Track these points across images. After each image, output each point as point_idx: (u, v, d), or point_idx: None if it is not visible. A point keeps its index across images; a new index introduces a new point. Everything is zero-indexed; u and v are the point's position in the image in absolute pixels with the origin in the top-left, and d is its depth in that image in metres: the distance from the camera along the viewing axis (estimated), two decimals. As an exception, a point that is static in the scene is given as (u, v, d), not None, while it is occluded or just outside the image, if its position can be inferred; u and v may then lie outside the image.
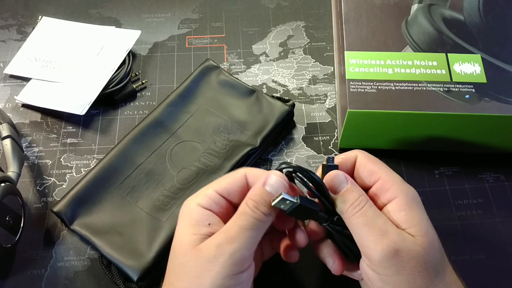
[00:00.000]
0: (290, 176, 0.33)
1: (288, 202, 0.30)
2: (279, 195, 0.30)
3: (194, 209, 0.32)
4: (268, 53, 0.55)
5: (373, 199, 0.34)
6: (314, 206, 0.32)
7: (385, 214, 0.32)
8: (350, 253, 0.34)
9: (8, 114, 0.49)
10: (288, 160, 0.47)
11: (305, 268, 0.40)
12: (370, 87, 0.43)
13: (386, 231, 0.30)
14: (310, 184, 0.32)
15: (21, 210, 0.41)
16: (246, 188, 0.33)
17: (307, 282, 0.40)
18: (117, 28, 0.57)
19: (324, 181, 0.33)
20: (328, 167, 0.34)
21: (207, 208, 0.32)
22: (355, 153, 0.35)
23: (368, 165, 0.34)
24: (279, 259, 0.36)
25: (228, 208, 0.33)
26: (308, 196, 0.34)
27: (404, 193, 0.32)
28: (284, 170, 0.33)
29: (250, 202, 0.31)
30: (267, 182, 0.32)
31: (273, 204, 0.30)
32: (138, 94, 0.52)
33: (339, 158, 0.35)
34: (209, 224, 0.31)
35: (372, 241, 0.30)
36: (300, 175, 0.32)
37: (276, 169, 0.33)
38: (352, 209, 0.31)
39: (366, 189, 0.35)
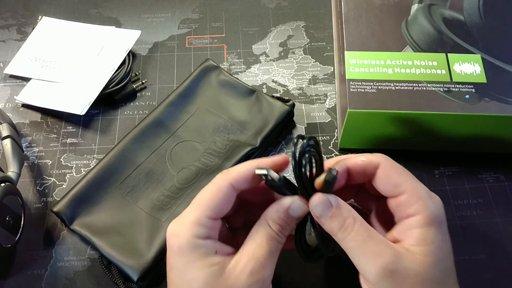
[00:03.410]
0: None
1: (270, 178, 0.32)
2: (265, 170, 0.31)
3: (196, 244, 0.30)
4: (268, 53, 0.55)
5: (393, 210, 0.33)
6: (291, 191, 0.33)
7: (402, 226, 0.32)
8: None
9: (8, 114, 0.49)
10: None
11: (307, 270, 0.40)
12: (370, 87, 0.43)
13: (379, 253, 0.30)
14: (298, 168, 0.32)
15: (21, 210, 0.41)
16: (235, 199, 0.33)
17: (307, 282, 0.40)
18: (117, 28, 0.57)
19: (309, 205, 0.32)
20: (325, 181, 0.32)
21: (207, 237, 0.31)
22: (378, 159, 0.33)
23: (393, 176, 0.33)
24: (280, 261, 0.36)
25: (220, 225, 0.33)
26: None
27: (428, 211, 0.31)
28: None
29: (276, 226, 0.31)
30: (291, 207, 0.32)
31: (256, 172, 0.32)
32: (138, 94, 0.52)
33: (359, 160, 0.34)
34: (216, 251, 0.31)
35: (366, 263, 0.30)
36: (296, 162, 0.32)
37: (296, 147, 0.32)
38: (340, 234, 0.31)
39: (381, 196, 0.34)
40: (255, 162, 0.33)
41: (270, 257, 0.31)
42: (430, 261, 0.30)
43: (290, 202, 0.32)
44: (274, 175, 0.31)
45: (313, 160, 0.33)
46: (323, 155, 0.47)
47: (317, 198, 0.32)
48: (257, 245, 0.31)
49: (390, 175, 0.33)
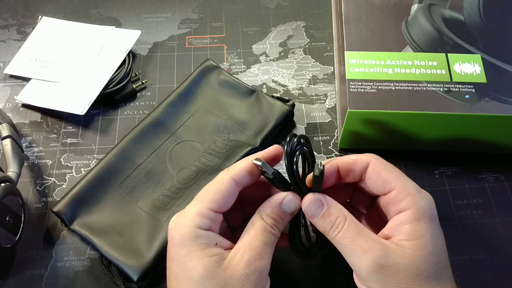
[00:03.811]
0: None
1: (264, 170, 0.33)
2: (261, 162, 0.33)
3: (197, 234, 0.31)
4: (268, 53, 0.55)
5: (385, 207, 0.34)
6: (284, 186, 0.34)
7: (393, 222, 0.32)
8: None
9: (8, 114, 0.49)
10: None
11: (306, 269, 0.40)
12: (370, 87, 0.43)
13: (368, 248, 0.30)
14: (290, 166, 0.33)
15: (21, 210, 0.41)
16: (237, 194, 0.34)
17: (306, 283, 0.40)
18: (117, 28, 0.57)
19: (302, 206, 0.33)
20: (314, 176, 0.33)
21: (208, 229, 0.32)
22: (368, 158, 0.34)
23: (383, 173, 0.33)
24: (278, 261, 0.36)
25: (221, 220, 0.34)
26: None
27: (417, 206, 0.32)
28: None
29: (269, 220, 0.32)
30: (283, 202, 0.33)
31: (253, 162, 0.33)
32: (138, 94, 0.52)
33: (349, 159, 0.35)
34: (216, 243, 0.31)
35: (357, 259, 0.31)
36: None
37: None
38: (332, 232, 0.32)
39: (375, 196, 0.35)
40: (252, 156, 0.34)
41: (265, 247, 0.31)
42: (420, 255, 0.30)
43: (283, 197, 0.33)
44: (269, 168, 0.33)
45: (306, 159, 0.34)
46: (323, 155, 0.48)
47: (308, 198, 0.33)
48: (252, 237, 0.32)
49: (380, 172, 0.34)
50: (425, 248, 0.31)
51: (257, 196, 0.36)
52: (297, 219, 0.35)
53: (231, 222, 0.37)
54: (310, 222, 0.34)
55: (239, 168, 0.33)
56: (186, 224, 0.31)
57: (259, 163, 0.33)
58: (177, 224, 0.32)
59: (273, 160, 0.35)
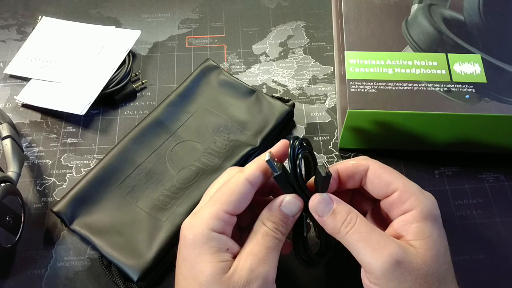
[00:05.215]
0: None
1: (271, 168, 0.32)
2: (267, 158, 0.32)
3: (210, 236, 0.31)
4: (268, 53, 0.55)
5: (387, 210, 0.33)
6: (287, 189, 0.33)
7: (398, 223, 0.32)
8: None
9: (8, 114, 0.49)
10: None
11: (313, 276, 0.40)
12: (370, 87, 0.43)
13: (384, 244, 0.30)
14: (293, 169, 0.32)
15: (21, 210, 0.41)
16: (252, 195, 0.33)
17: (307, 283, 0.40)
18: (117, 28, 0.57)
19: (310, 207, 0.33)
20: (322, 178, 0.32)
21: (221, 232, 0.31)
22: (367, 163, 0.34)
23: (384, 176, 0.33)
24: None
25: (234, 222, 0.33)
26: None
27: (422, 205, 0.31)
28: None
29: (270, 223, 0.32)
30: (283, 204, 0.32)
31: (265, 159, 0.32)
32: (138, 94, 0.52)
33: (349, 163, 0.34)
34: (227, 249, 0.31)
35: (371, 255, 0.30)
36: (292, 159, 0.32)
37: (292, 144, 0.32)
38: (344, 228, 0.31)
39: (377, 199, 0.34)
40: (263, 156, 0.33)
41: (267, 252, 0.31)
42: (431, 255, 0.30)
43: (282, 199, 0.33)
44: (274, 167, 0.32)
45: (307, 162, 0.34)
46: (323, 155, 0.48)
47: (316, 198, 0.32)
48: (254, 243, 0.31)
49: (381, 175, 0.33)
50: (434, 248, 0.30)
51: (266, 196, 0.35)
52: (301, 223, 0.34)
53: (240, 222, 0.37)
54: (311, 230, 0.33)
55: (253, 169, 0.33)
56: (200, 225, 0.31)
57: (268, 158, 0.32)
58: (191, 224, 0.31)
59: (284, 155, 0.34)
